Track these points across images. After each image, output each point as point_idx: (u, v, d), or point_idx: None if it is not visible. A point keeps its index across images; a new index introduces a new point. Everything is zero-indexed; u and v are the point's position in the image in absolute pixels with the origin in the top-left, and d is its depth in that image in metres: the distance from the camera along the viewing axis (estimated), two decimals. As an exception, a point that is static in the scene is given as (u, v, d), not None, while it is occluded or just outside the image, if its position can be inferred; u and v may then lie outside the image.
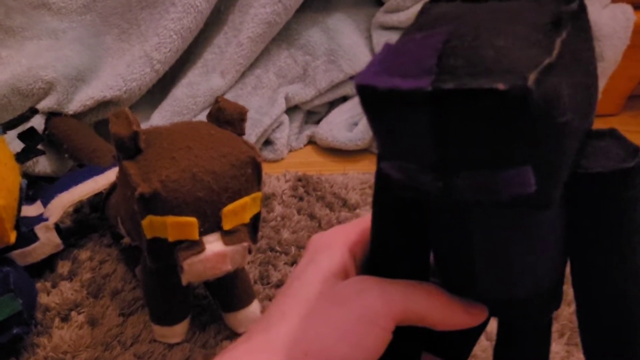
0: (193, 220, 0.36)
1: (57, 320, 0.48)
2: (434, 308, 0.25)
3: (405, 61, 0.18)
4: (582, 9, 0.19)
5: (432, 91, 0.17)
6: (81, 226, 0.58)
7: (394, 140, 0.19)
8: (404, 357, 0.29)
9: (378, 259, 0.27)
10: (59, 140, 0.62)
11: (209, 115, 0.42)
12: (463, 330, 0.27)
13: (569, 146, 0.19)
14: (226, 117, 0.41)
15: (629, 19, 0.72)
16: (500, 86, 0.16)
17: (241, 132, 0.41)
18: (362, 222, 0.28)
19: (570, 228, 0.23)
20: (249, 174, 0.38)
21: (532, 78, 0.16)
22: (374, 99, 0.18)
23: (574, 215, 0.23)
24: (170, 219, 0.36)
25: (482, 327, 0.30)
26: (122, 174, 0.38)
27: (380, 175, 0.25)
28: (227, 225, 0.37)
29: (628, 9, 0.73)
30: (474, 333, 0.31)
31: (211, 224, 0.37)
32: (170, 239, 0.36)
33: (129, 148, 0.37)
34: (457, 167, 0.18)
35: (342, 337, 0.23)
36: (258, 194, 0.40)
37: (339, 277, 0.26)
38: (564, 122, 0.17)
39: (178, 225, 0.36)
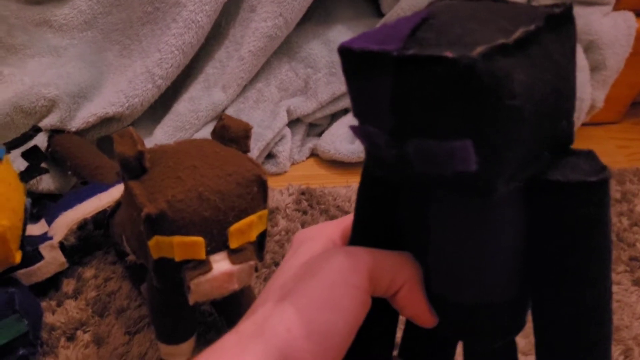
0: (200, 239, 0.36)
1: (62, 339, 0.48)
2: (402, 264, 0.25)
3: (387, 33, 0.20)
4: (569, 18, 0.20)
5: (396, 55, 0.18)
6: (85, 244, 0.58)
7: (362, 102, 0.21)
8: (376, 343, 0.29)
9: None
10: (62, 158, 0.62)
11: (213, 133, 0.42)
12: (438, 341, 0.28)
13: (516, 133, 0.18)
14: (230, 134, 0.41)
15: (631, 26, 0.72)
16: (449, 54, 0.17)
17: (246, 150, 0.41)
18: (347, 219, 0.29)
19: (530, 245, 0.23)
20: (255, 192, 0.38)
21: (478, 50, 0.17)
22: (350, 59, 0.20)
23: (533, 228, 0.22)
24: (177, 239, 0.35)
25: (454, 343, 0.31)
26: (128, 194, 0.38)
27: (365, 167, 0.26)
28: (233, 244, 0.37)
29: (630, 16, 0.73)
30: (449, 349, 0.31)
31: (218, 243, 0.37)
32: (177, 258, 0.36)
33: (134, 168, 0.37)
34: (408, 134, 0.20)
35: (320, 306, 0.23)
36: (264, 212, 0.39)
37: None
38: (512, 105, 0.18)
39: (184, 245, 0.36)
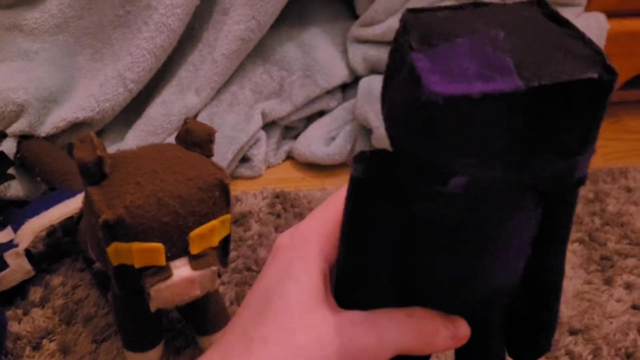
0: (159, 245, 0.35)
1: (28, 349, 0.47)
2: (425, 341, 0.25)
3: (470, 66, 0.18)
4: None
5: (527, 89, 0.18)
6: (54, 251, 0.57)
7: (471, 140, 0.19)
8: None
9: (348, 278, 0.26)
10: (31, 164, 0.61)
11: (177, 137, 0.41)
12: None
13: None
14: (194, 138, 0.40)
15: (602, 27, 0.72)
16: (594, 75, 0.18)
17: (209, 154, 0.41)
18: (331, 212, 0.27)
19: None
20: (217, 197, 0.38)
21: (603, 63, 0.18)
22: (467, 106, 0.18)
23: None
24: (136, 246, 0.35)
25: None
26: (87, 200, 0.38)
27: (360, 187, 0.24)
28: (194, 250, 0.37)
29: (601, 17, 0.73)
30: None
31: (178, 248, 0.36)
32: (137, 265, 0.36)
33: (94, 173, 0.37)
34: (532, 158, 0.20)
35: None
36: (227, 217, 0.39)
37: (320, 294, 0.25)
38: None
39: (144, 252, 0.35)
